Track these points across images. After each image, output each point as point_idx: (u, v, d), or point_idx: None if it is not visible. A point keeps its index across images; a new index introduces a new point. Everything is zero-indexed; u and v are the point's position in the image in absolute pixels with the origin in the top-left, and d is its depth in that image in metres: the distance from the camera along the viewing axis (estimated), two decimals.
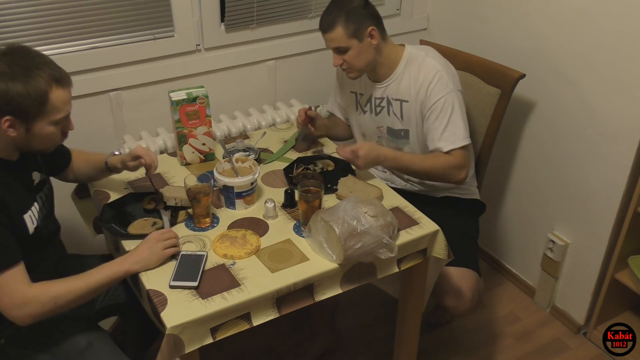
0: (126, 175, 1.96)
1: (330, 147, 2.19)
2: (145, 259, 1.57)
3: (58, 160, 1.80)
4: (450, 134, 1.95)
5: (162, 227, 1.74)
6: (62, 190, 1.95)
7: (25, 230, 1.54)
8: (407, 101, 2.02)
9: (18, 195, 1.54)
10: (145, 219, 1.80)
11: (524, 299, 2.70)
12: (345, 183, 1.94)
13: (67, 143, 1.68)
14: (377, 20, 1.95)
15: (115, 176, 1.93)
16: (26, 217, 1.55)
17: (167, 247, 1.60)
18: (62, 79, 1.47)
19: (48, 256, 1.67)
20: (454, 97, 1.95)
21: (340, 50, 1.94)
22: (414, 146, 2.09)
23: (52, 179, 1.79)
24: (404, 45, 2.05)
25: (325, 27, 1.92)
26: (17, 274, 1.44)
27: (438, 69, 1.97)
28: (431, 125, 1.97)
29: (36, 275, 1.50)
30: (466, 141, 1.96)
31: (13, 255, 1.45)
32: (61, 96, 1.47)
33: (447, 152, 1.96)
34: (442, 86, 1.95)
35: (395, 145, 2.12)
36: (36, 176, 1.64)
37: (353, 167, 2.00)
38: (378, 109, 2.11)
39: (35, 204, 1.60)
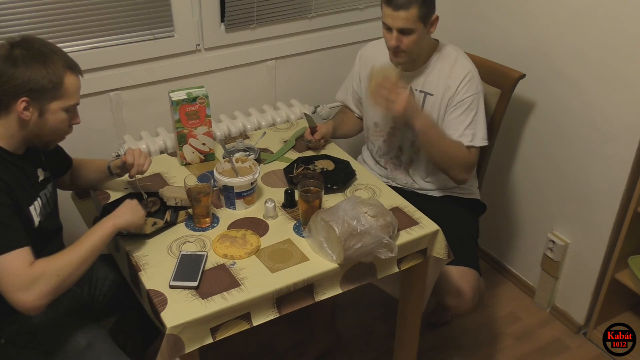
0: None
1: (331, 148, 2.18)
2: (127, 214, 1.60)
3: (60, 163, 1.81)
4: (472, 131, 1.98)
5: (162, 227, 1.74)
6: (62, 191, 1.95)
7: (31, 222, 1.55)
8: (432, 95, 2.03)
9: (24, 188, 1.55)
10: (145, 219, 1.79)
11: (524, 299, 2.70)
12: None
13: (68, 143, 1.69)
14: (435, 10, 1.94)
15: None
16: (32, 209, 1.56)
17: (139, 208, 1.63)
18: (75, 66, 1.55)
19: (50, 254, 1.67)
20: (481, 98, 2.00)
21: (403, 31, 1.88)
22: None
23: None
24: (437, 40, 2.06)
25: (401, 4, 1.83)
26: (20, 255, 1.42)
27: (470, 69, 2.00)
28: (455, 119, 1.99)
29: None
30: (485, 142, 2.01)
31: (17, 238, 1.44)
32: (74, 82, 1.53)
33: (467, 147, 1.98)
34: (473, 85, 1.98)
35: (411, 136, 2.12)
36: (40, 173, 1.65)
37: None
38: None
39: (39, 199, 1.61)
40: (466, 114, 1.98)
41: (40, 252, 1.60)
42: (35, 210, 1.57)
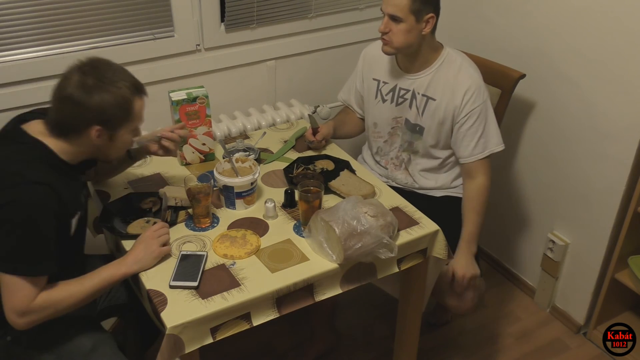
0: (126, 176, 1.96)
1: (331, 148, 2.18)
2: (143, 259, 1.57)
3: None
4: (484, 140, 2.02)
5: None
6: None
7: (68, 232, 1.55)
8: (434, 99, 2.03)
9: (75, 199, 1.57)
10: (145, 219, 1.79)
11: (524, 299, 2.70)
12: (340, 176, 1.95)
13: None
14: (437, 12, 1.95)
15: (115, 176, 1.93)
16: (73, 220, 1.56)
17: (162, 243, 1.61)
18: (141, 87, 1.56)
19: (79, 255, 1.71)
20: (488, 106, 2.02)
21: (393, 18, 1.91)
22: (425, 143, 2.10)
23: None
24: (442, 44, 2.05)
25: None
26: (36, 284, 1.44)
27: (476, 77, 2.00)
28: (467, 131, 2.01)
29: (64, 272, 1.52)
30: (499, 147, 2.05)
31: (46, 267, 1.46)
32: (141, 105, 1.56)
33: (475, 167, 2.04)
34: (479, 95, 1.98)
35: (409, 138, 2.13)
36: (89, 186, 1.70)
37: None
38: (400, 99, 2.10)
39: (81, 211, 1.61)
40: (476, 126, 2.00)
41: (75, 255, 1.63)
42: (76, 220, 1.58)
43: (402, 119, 2.12)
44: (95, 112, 1.46)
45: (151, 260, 1.58)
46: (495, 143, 2.04)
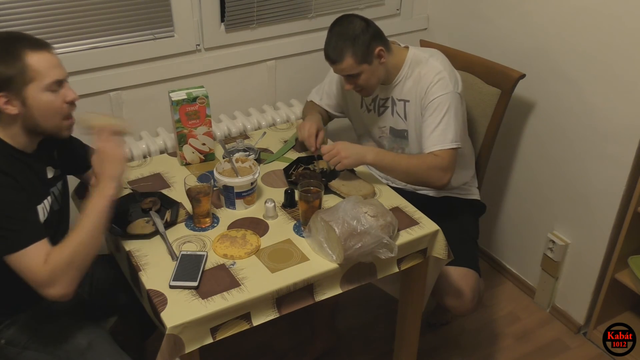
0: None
1: None
2: (113, 170, 1.52)
3: (81, 159, 1.77)
4: (440, 134, 1.92)
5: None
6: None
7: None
8: (408, 101, 2.03)
9: (33, 186, 1.55)
10: (145, 219, 1.79)
11: (524, 299, 2.70)
12: (340, 176, 1.95)
13: None
14: (381, 38, 1.95)
15: None
16: (39, 207, 1.55)
17: (117, 145, 1.55)
18: (36, 42, 1.48)
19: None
20: (452, 98, 1.93)
21: (352, 76, 1.94)
22: (413, 147, 2.09)
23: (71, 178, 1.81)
24: (407, 47, 2.05)
25: (333, 58, 1.91)
26: (40, 249, 1.43)
27: (440, 69, 1.97)
28: (424, 123, 1.97)
29: None
30: (455, 144, 1.92)
31: (37, 230, 1.45)
32: (41, 59, 1.47)
33: (435, 153, 1.92)
34: (442, 86, 1.94)
35: (397, 145, 2.13)
36: (50, 171, 1.64)
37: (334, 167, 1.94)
38: (382, 109, 2.11)
39: (49, 197, 1.61)
40: (434, 116, 1.93)
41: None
42: (44, 208, 1.57)
43: (387, 128, 2.12)
44: None
45: (120, 166, 1.53)
46: (449, 139, 1.91)
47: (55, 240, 1.68)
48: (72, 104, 1.55)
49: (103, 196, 1.51)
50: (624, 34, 2.02)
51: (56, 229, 1.69)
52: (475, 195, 2.25)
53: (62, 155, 1.70)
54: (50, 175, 1.64)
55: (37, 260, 1.42)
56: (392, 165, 1.94)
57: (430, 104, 1.94)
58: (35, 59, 1.46)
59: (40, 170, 1.61)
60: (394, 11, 2.70)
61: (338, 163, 1.90)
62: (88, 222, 1.48)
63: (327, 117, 2.30)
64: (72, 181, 1.93)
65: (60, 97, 1.51)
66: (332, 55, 1.91)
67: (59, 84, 1.51)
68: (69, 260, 1.44)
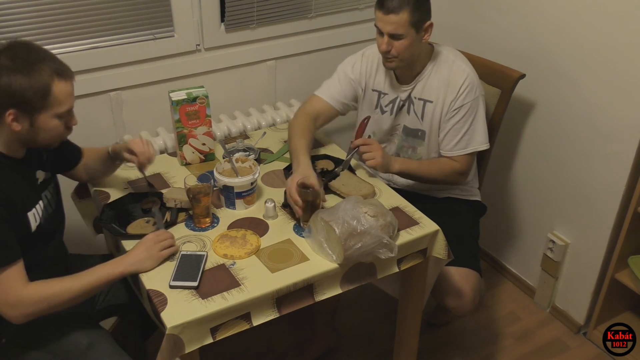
0: (126, 175, 1.96)
1: (331, 148, 2.18)
2: (142, 261, 1.56)
3: (67, 157, 1.80)
4: (463, 140, 2.00)
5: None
6: (63, 190, 1.95)
7: (27, 227, 1.54)
8: (431, 102, 2.01)
9: (24, 193, 1.55)
10: (145, 219, 1.79)
11: (524, 299, 2.70)
12: (340, 176, 1.95)
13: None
14: (430, 17, 1.91)
15: (115, 176, 1.93)
16: (30, 214, 1.55)
17: (164, 248, 1.60)
18: (64, 72, 1.48)
19: (48, 254, 1.67)
20: (480, 103, 2.00)
21: (393, 36, 1.86)
22: (428, 147, 2.09)
23: (64, 178, 1.81)
24: (431, 45, 2.03)
25: (392, 8, 1.80)
26: (15, 272, 1.45)
27: (468, 72, 1.98)
28: (453, 127, 1.99)
29: (36, 273, 1.50)
30: (484, 146, 2.03)
31: (12, 253, 1.46)
32: (64, 89, 1.47)
33: (454, 158, 2.02)
34: (472, 91, 1.97)
35: (408, 144, 2.12)
36: (40, 174, 1.64)
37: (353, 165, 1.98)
38: (398, 109, 2.09)
39: (41, 202, 1.60)
40: (463, 121, 1.97)
41: (39, 253, 1.60)
42: (35, 214, 1.57)
43: (400, 126, 2.12)
44: (5, 94, 1.41)
45: (150, 263, 1.57)
46: (479, 142, 2.02)
47: (52, 243, 1.68)
48: (71, 128, 1.57)
49: (117, 269, 1.54)
50: (624, 34, 2.02)
51: (53, 232, 1.70)
52: (476, 196, 2.25)
53: (50, 155, 1.70)
54: (40, 179, 1.64)
55: (11, 281, 1.44)
56: (416, 174, 2.04)
57: (461, 108, 1.97)
58: (59, 88, 1.46)
59: (30, 175, 1.61)
60: None
61: (372, 159, 1.92)
62: (86, 281, 1.51)
63: (327, 118, 2.16)
64: (71, 183, 1.94)
65: (64, 122, 1.53)
66: (392, 4, 1.80)
67: (69, 111, 1.53)
68: (48, 298, 1.47)
